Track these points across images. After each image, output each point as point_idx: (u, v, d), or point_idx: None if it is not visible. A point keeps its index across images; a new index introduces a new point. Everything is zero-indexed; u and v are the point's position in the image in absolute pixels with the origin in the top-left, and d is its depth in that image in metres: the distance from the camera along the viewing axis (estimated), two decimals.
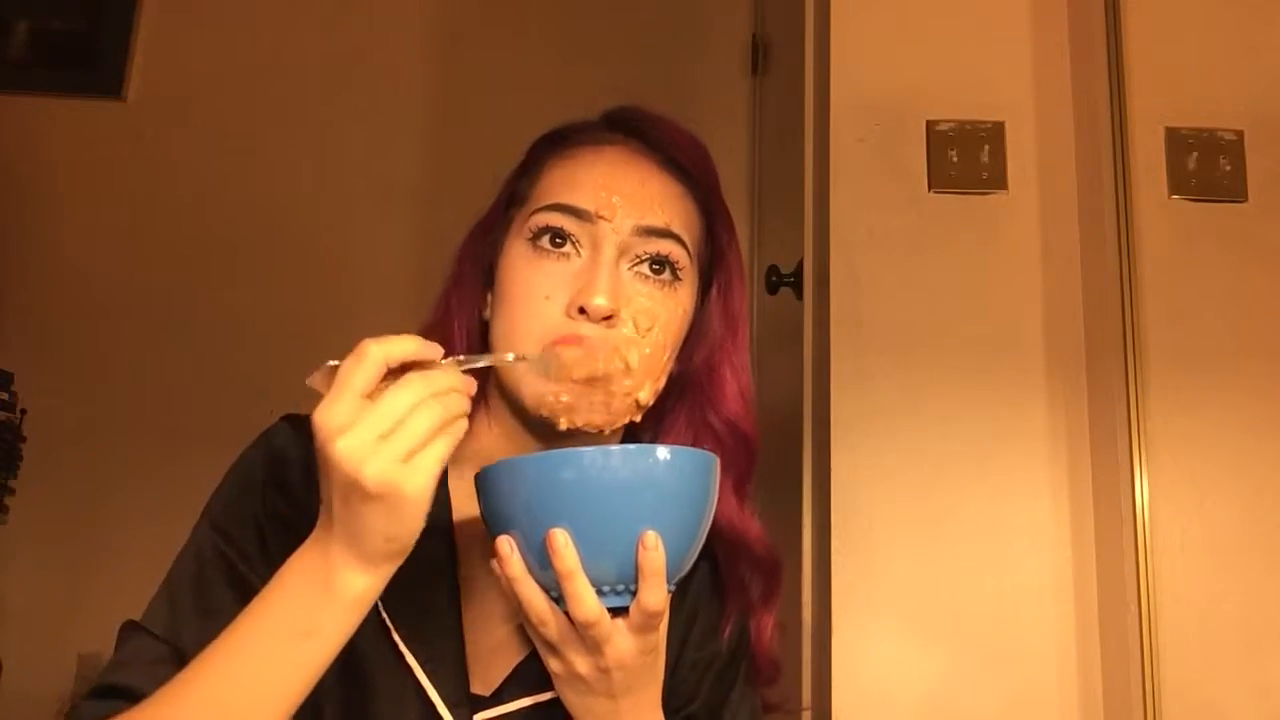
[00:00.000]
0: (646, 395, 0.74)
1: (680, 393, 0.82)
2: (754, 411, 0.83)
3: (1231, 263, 1.18)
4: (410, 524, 0.60)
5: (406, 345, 0.59)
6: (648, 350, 0.73)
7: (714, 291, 0.82)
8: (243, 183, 2.18)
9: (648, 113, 0.81)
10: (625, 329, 0.73)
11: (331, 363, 0.59)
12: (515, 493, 0.63)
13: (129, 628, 0.71)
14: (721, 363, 0.81)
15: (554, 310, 0.72)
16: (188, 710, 0.61)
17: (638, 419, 0.76)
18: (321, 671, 0.62)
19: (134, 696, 0.64)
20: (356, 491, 0.57)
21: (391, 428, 0.57)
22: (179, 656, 0.67)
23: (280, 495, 0.74)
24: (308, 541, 0.62)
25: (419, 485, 0.58)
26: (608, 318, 0.71)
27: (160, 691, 0.63)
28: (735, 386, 0.81)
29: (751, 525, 0.82)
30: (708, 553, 0.80)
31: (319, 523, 0.61)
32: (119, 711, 0.63)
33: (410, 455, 0.57)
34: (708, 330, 0.82)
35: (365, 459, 0.56)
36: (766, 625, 0.84)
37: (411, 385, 0.58)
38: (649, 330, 0.73)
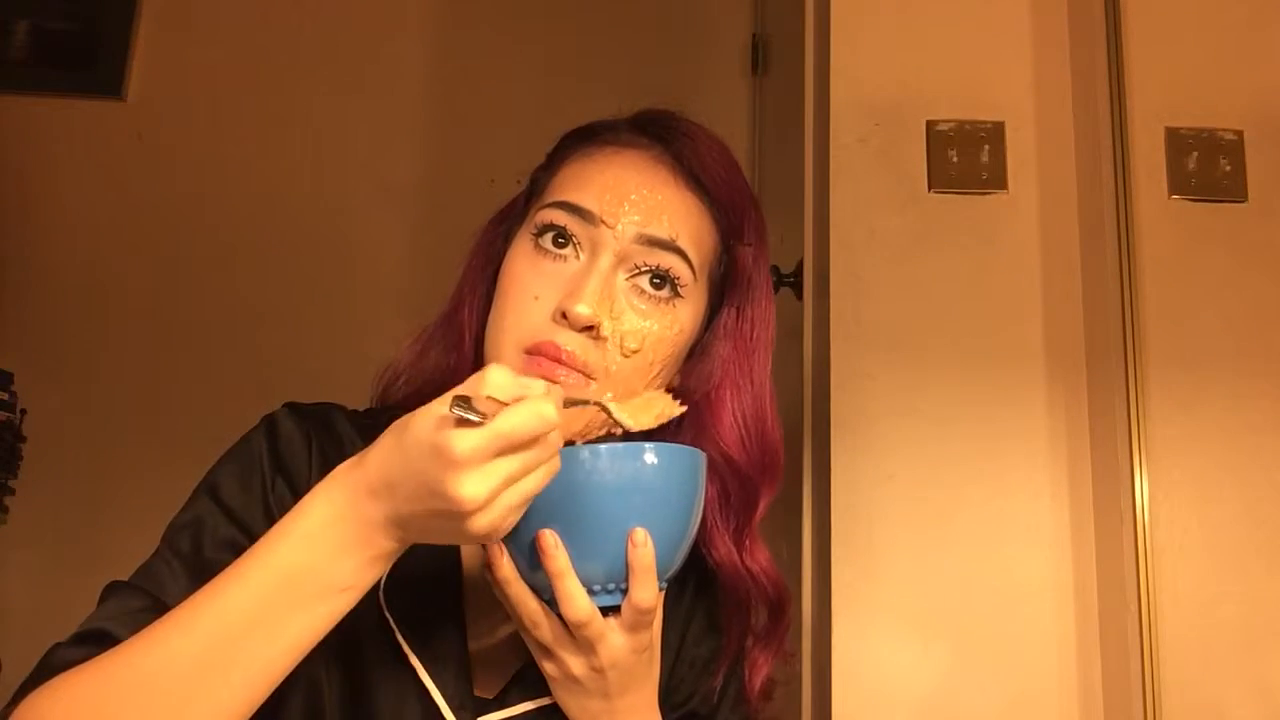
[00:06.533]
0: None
1: (683, 414, 0.80)
2: (760, 444, 0.79)
3: (1231, 263, 1.18)
4: (464, 542, 0.61)
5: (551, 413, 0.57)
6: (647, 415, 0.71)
7: (726, 311, 0.80)
8: (243, 183, 2.18)
9: (678, 120, 0.79)
10: (613, 350, 0.71)
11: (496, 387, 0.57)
12: None
13: (113, 585, 0.68)
14: (722, 386, 0.78)
15: (540, 312, 0.71)
16: (183, 654, 0.58)
17: (618, 430, 0.73)
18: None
19: (113, 642, 0.61)
20: (455, 525, 0.56)
21: (516, 477, 0.56)
22: (164, 611, 0.63)
23: (285, 482, 0.73)
24: (330, 498, 0.59)
25: (504, 534, 0.59)
26: (589, 328, 0.70)
27: (141, 635, 0.59)
28: (734, 416, 0.78)
29: (755, 562, 0.79)
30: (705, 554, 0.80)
31: (353, 483, 0.59)
32: (95, 656, 0.60)
33: (515, 510, 0.58)
34: (712, 351, 0.79)
35: (484, 511, 0.56)
36: (762, 664, 0.81)
37: (550, 446, 0.57)
38: (635, 352, 0.71)
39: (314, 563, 0.59)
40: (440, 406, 0.56)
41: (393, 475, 0.57)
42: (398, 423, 0.59)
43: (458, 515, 0.55)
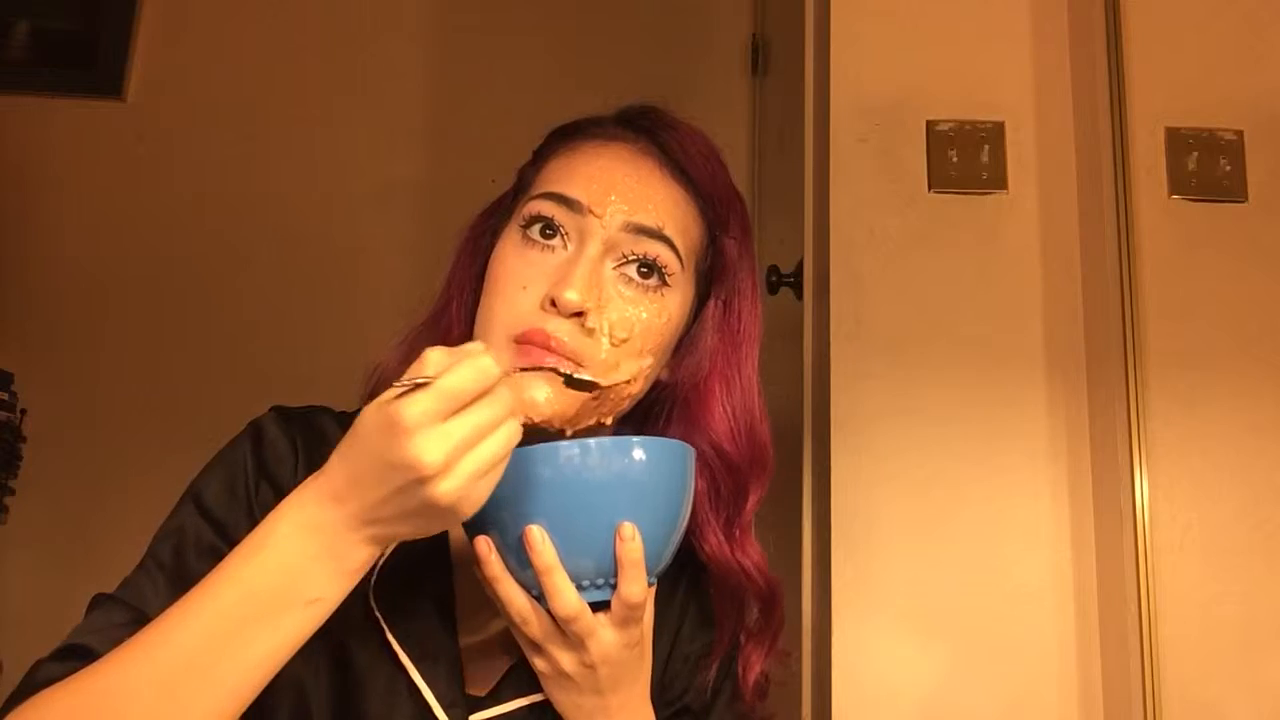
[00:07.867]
0: (607, 411, 0.73)
1: (671, 406, 0.80)
2: (749, 438, 0.79)
3: (1231, 263, 1.18)
4: (443, 527, 0.60)
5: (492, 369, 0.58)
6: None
7: (712, 304, 0.80)
8: (242, 183, 2.18)
9: (663, 114, 0.79)
10: (602, 339, 0.71)
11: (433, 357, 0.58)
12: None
13: (98, 598, 0.69)
14: (711, 378, 0.78)
15: (529, 300, 0.71)
16: (155, 671, 0.58)
17: (607, 423, 0.74)
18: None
19: (93, 658, 0.61)
20: (420, 497, 0.56)
21: (473, 440, 0.56)
22: (146, 624, 0.63)
23: (271, 488, 0.73)
24: (299, 507, 0.60)
25: (475, 505, 0.58)
26: (578, 315, 0.70)
27: (116, 652, 0.60)
28: (724, 408, 0.78)
29: (746, 557, 0.79)
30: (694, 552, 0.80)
31: (318, 489, 0.59)
32: (76, 672, 0.60)
33: (480, 475, 0.57)
34: (700, 343, 0.79)
35: (446, 475, 0.56)
36: (755, 661, 0.81)
37: (499, 402, 0.57)
38: (624, 341, 0.71)
39: (282, 576, 0.59)
40: (386, 395, 0.57)
41: (351, 470, 0.58)
42: (351, 426, 0.59)
43: (420, 483, 0.55)
